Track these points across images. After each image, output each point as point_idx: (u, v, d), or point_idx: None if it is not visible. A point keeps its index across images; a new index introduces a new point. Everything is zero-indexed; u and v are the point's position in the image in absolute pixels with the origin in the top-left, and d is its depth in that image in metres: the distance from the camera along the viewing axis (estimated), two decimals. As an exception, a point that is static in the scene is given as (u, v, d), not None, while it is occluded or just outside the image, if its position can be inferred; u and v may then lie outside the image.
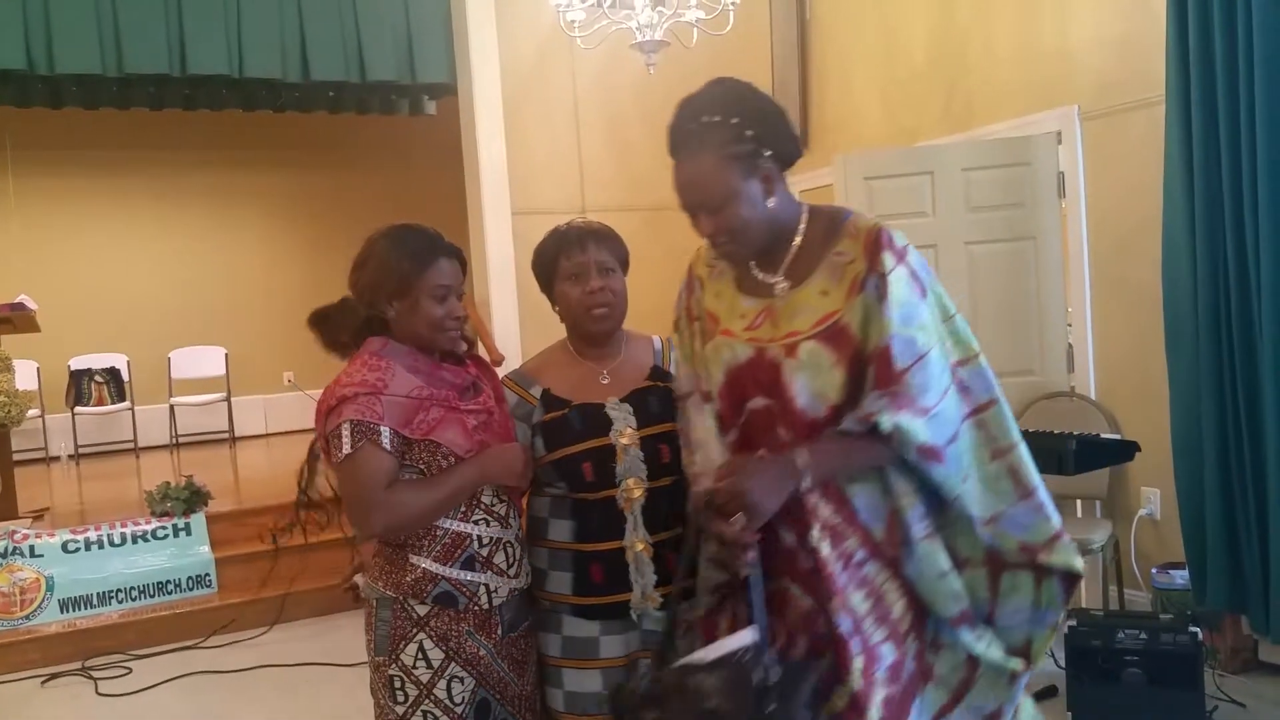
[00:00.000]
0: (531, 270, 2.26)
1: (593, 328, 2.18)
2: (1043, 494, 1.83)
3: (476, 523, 2.08)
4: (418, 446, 2.03)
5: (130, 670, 4.74)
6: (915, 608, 1.82)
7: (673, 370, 2.21)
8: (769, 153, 1.81)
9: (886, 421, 1.71)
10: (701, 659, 1.76)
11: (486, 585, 2.07)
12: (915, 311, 1.76)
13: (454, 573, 2.05)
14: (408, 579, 2.05)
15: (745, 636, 1.76)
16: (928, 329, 1.77)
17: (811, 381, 1.79)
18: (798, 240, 1.88)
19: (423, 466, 2.04)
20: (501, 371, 2.37)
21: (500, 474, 2.08)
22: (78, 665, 4.80)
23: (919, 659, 1.82)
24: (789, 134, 1.87)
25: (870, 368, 1.77)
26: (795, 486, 1.73)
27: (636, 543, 2.08)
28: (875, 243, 1.80)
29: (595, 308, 2.15)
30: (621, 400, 2.15)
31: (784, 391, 1.81)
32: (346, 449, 1.98)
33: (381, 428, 1.98)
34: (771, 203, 1.83)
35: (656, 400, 2.16)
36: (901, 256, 1.79)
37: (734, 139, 1.79)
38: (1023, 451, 1.83)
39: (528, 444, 2.19)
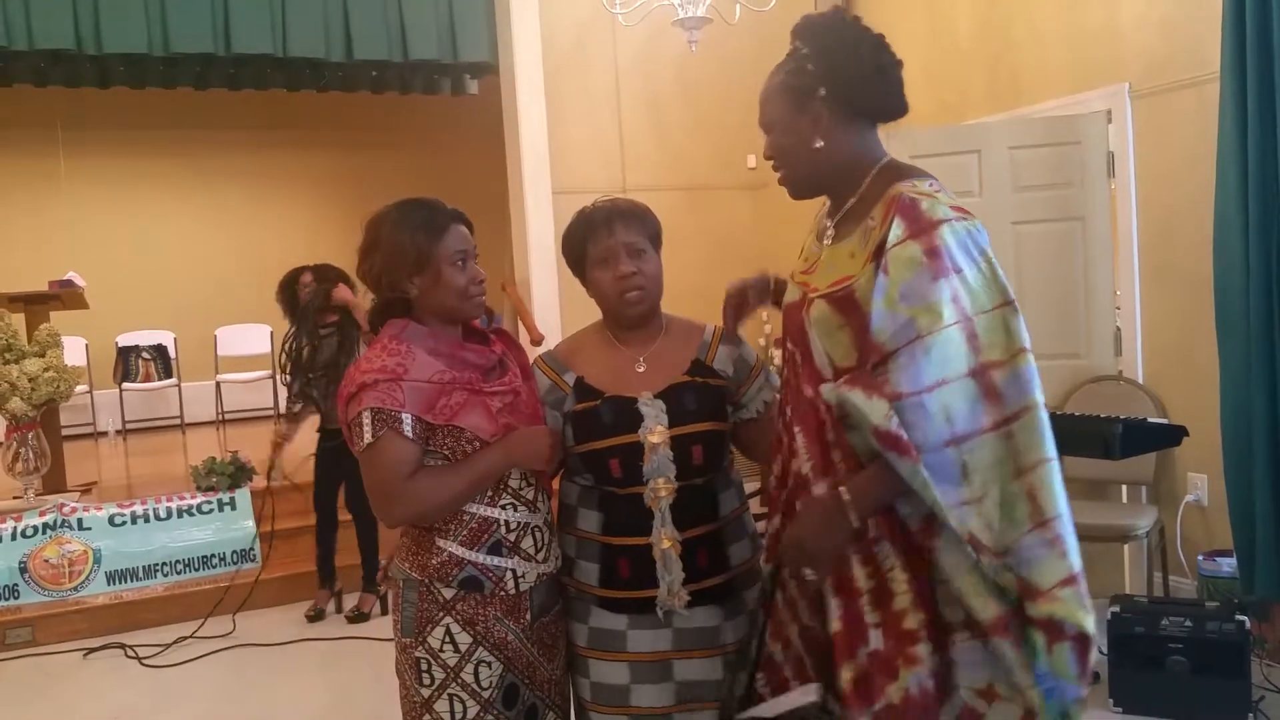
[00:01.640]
0: (563, 256, 2.19)
1: (627, 312, 2.11)
2: (1063, 526, 1.59)
3: (504, 507, 2.03)
4: (441, 432, 1.97)
5: (174, 642, 4.81)
6: (929, 615, 1.66)
7: (717, 365, 2.13)
8: (823, 92, 1.75)
9: (829, 393, 1.66)
10: (764, 714, 1.74)
11: (513, 570, 2.02)
12: (920, 290, 1.60)
13: (480, 557, 2.01)
14: (433, 562, 2.01)
15: (810, 693, 1.77)
16: (936, 312, 1.59)
17: (821, 340, 1.75)
18: (859, 192, 1.79)
19: (447, 452, 1.99)
20: (540, 351, 2.32)
21: (525, 458, 2.02)
22: (123, 636, 4.89)
23: (935, 676, 1.65)
24: (868, 83, 1.77)
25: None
26: (848, 526, 1.66)
27: (664, 540, 2.01)
28: (891, 211, 1.67)
29: (628, 292, 2.07)
30: (657, 395, 2.05)
31: (805, 343, 1.79)
32: (368, 438, 1.93)
33: (403, 415, 1.93)
34: (819, 144, 1.77)
35: (694, 398, 2.07)
36: (922, 230, 1.63)
37: (796, 70, 1.77)
38: (1051, 470, 1.59)
39: (558, 429, 2.13)
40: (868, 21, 1.81)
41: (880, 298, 1.61)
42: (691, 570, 2.03)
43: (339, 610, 5.06)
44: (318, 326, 4.90)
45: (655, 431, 2.02)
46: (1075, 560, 1.59)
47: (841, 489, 1.66)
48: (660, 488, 2.01)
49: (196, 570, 5.35)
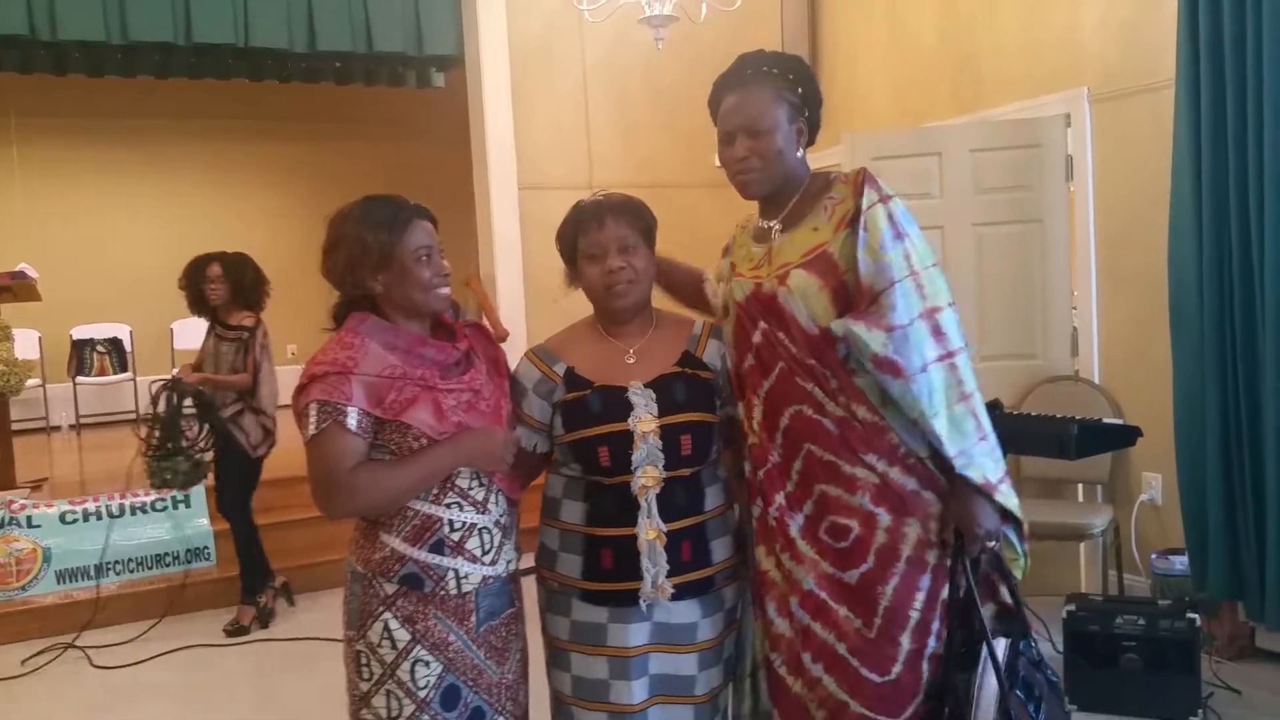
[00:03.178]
0: (556, 247, 2.20)
1: (613, 305, 2.13)
2: (995, 440, 2.06)
3: (449, 506, 2.01)
4: (389, 427, 1.96)
5: (126, 643, 4.73)
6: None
7: (706, 358, 2.16)
8: (806, 115, 2.14)
9: (838, 327, 1.98)
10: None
11: (455, 571, 2.00)
12: (889, 244, 1.99)
13: (421, 555, 1.99)
14: (376, 556, 2.00)
15: (1001, 648, 2.05)
16: (897, 264, 1.98)
17: (803, 304, 2.04)
18: (799, 194, 2.15)
19: (394, 448, 1.97)
20: (508, 348, 2.31)
21: (476, 457, 2.01)
22: (73, 637, 4.79)
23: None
24: (819, 113, 2.19)
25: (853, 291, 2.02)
26: (989, 495, 2.01)
27: (649, 530, 2.02)
28: (860, 182, 2.05)
29: (614, 286, 2.10)
30: (647, 385, 2.07)
31: (782, 315, 2.06)
32: (312, 429, 1.93)
33: (348, 408, 1.92)
34: (798, 153, 2.14)
35: (683, 388, 2.09)
36: (883, 199, 2.03)
37: (788, 89, 2.12)
38: (980, 399, 2.05)
39: (548, 422, 2.14)
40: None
41: (863, 249, 1.99)
42: (675, 563, 2.04)
43: (291, 604, 5.00)
44: (220, 324, 4.88)
45: (644, 420, 2.04)
46: (1003, 464, 2.06)
47: (967, 478, 2.00)
48: (647, 477, 2.03)
49: (149, 569, 5.27)
